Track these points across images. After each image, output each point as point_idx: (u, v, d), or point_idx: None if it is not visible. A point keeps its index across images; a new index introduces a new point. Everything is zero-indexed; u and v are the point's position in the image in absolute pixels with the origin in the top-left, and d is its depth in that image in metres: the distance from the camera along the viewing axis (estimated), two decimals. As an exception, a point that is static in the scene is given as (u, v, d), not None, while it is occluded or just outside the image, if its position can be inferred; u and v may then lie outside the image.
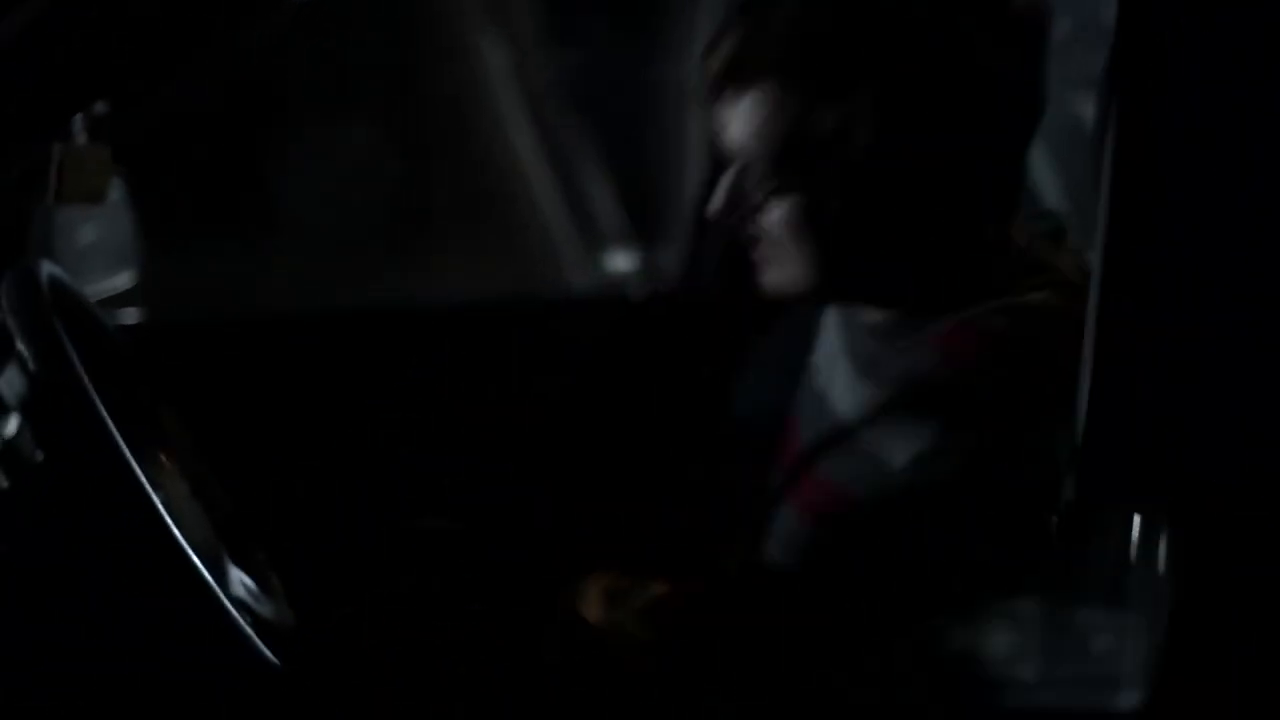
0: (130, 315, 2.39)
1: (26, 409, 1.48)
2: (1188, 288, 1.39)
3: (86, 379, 1.45)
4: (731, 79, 1.68)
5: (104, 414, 1.45)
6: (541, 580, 1.87)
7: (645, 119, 3.46)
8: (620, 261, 3.52)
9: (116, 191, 2.02)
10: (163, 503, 1.49)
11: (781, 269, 1.72)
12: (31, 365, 1.48)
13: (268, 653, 1.49)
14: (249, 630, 1.48)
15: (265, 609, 1.62)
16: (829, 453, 1.74)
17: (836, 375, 1.81)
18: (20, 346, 1.49)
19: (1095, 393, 1.39)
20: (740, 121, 1.69)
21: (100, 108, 1.74)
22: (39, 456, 1.48)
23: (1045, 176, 3.59)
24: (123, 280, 2.20)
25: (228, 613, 1.48)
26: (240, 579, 1.63)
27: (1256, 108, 1.39)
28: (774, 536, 1.78)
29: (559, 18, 3.76)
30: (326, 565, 1.87)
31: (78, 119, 1.72)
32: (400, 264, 3.54)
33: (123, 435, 1.48)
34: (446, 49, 3.67)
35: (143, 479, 1.45)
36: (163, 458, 1.64)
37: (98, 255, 2.17)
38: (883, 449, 1.66)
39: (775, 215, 1.69)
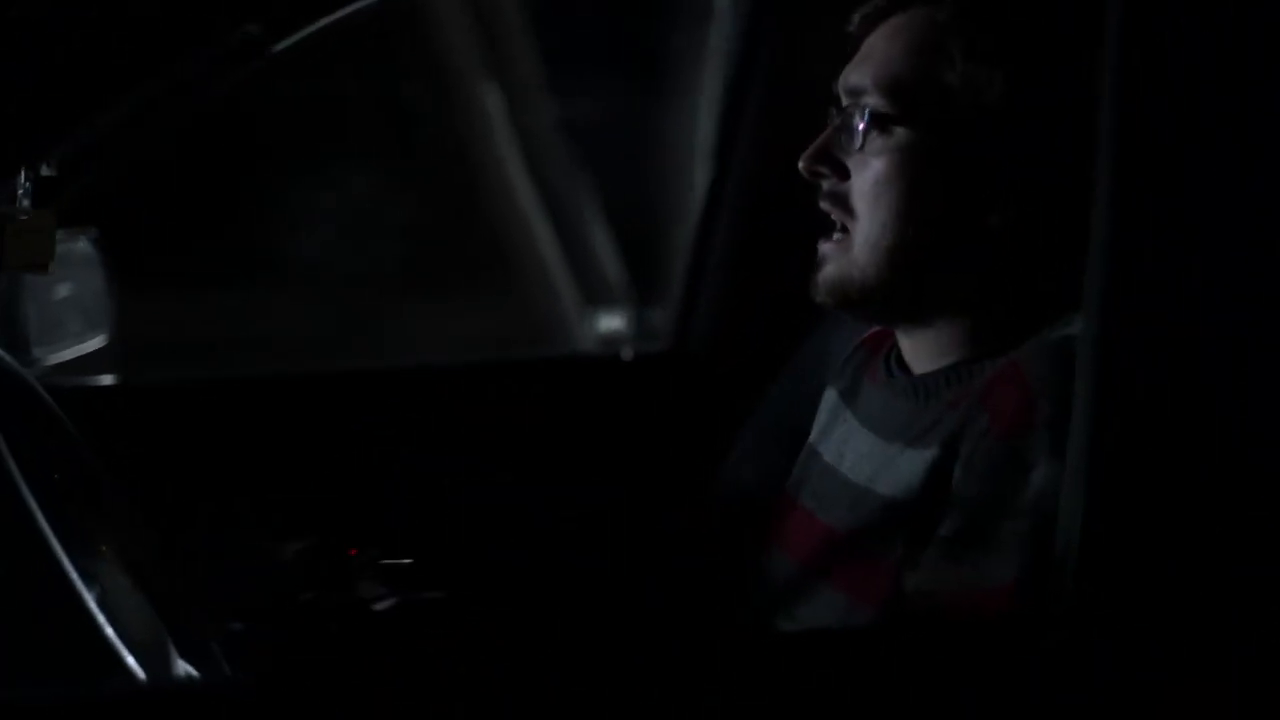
0: (106, 377, 2.35)
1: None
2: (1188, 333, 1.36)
3: (19, 479, 1.38)
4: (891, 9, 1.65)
5: (36, 514, 1.37)
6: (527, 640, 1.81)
7: (645, 172, 3.42)
8: (615, 320, 3.47)
9: (89, 249, 1.97)
10: (98, 598, 1.41)
11: (849, 267, 1.66)
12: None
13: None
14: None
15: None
16: (863, 528, 1.65)
17: (848, 449, 1.73)
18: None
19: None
20: (879, 58, 1.64)
21: (46, 171, 1.67)
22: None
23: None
24: (96, 341, 2.14)
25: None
26: (186, 670, 1.55)
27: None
28: (808, 614, 1.69)
29: (558, 67, 3.72)
30: (299, 633, 1.81)
31: (21, 183, 1.64)
32: (395, 317, 3.51)
33: (59, 528, 1.41)
34: (444, 98, 3.64)
35: (74, 578, 1.38)
36: (103, 549, 1.56)
37: (70, 316, 2.12)
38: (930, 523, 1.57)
39: (864, 193, 1.63)
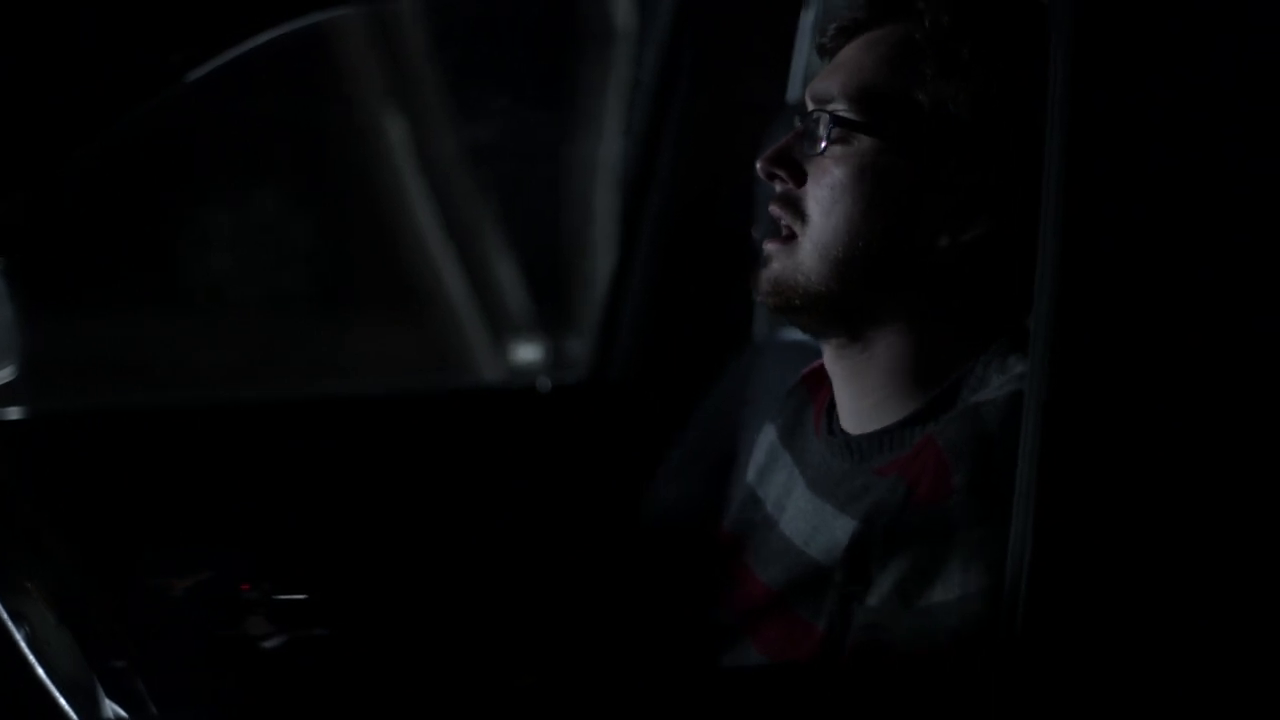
0: (12, 410, 2.31)
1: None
2: (1137, 366, 1.36)
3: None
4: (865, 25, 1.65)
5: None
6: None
7: (553, 200, 3.40)
8: (527, 351, 3.45)
9: (-3, 279, 1.93)
10: (27, 636, 1.38)
11: (794, 270, 1.64)
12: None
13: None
14: None
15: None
16: (796, 590, 1.64)
17: (789, 501, 1.72)
18: None
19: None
20: (851, 68, 1.63)
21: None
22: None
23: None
24: (4, 374, 2.10)
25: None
26: (113, 709, 1.52)
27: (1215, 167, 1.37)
28: (723, 658, 1.69)
29: (464, 93, 3.70)
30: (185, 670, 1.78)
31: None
32: (302, 341, 3.47)
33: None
34: (350, 122, 3.61)
35: (4, 616, 1.35)
36: (29, 585, 1.53)
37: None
38: (858, 590, 1.56)
39: (823, 194, 1.62)
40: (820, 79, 1.65)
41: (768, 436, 1.81)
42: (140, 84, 1.60)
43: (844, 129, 1.61)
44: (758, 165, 1.66)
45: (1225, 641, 1.39)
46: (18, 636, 1.37)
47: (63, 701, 1.38)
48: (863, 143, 1.60)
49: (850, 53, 1.65)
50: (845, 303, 1.62)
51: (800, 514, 1.68)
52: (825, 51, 1.68)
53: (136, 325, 3.38)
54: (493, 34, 3.60)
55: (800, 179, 1.64)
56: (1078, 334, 1.36)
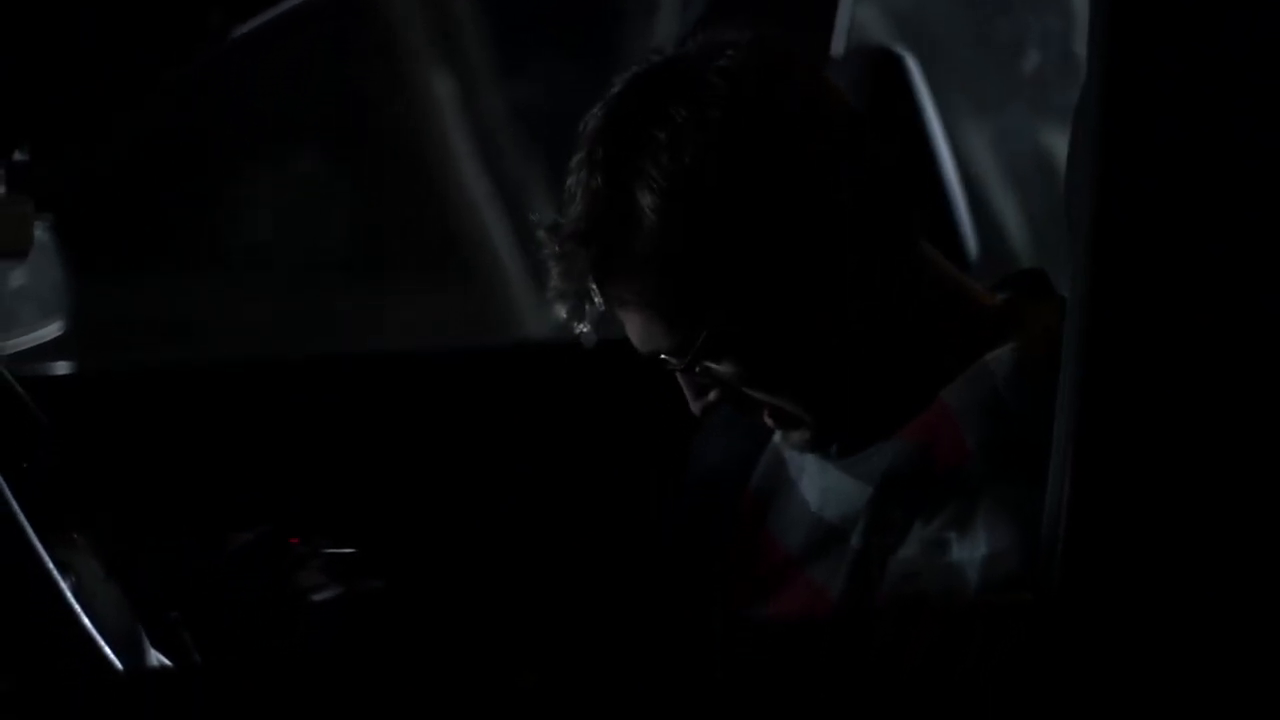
0: (60, 366, 2.33)
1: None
2: (1172, 330, 1.34)
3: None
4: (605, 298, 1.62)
5: (10, 501, 1.35)
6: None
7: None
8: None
9: (45, 237, 1.95)
10: (73, 586, 1.39)
11: (805, 434, 1.65)
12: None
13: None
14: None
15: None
16: (810, 554, 1.65)
17: (806, 462, 1.72)
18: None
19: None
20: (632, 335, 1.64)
21: (19, 155, 1.65)
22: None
23: (1007, 210, 3.55)
24: (52, 329, 2.12)
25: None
26: (159, 661, 1.53)
27: (1241, 143, 1.34)
28: (737, 625, 1.69)
29: (508, 49, 3.70)
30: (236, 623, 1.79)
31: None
32: (348, 303, 3.48)
33: (32, 513, 1.39)
34: (395, 82, 3.61)
35: (50, 566, 1.36)
36: (75, 537, 1.54)
37: (26, 304, 2.11)
38: (873, 553, 1.57)
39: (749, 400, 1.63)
40: (636, 342, 1.64)
41: None
42: (183, 44, 1.61)
43: (702, 364, 1.60)
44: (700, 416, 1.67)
45: (1272, 597, 1.39)
46: (64, 586, 1.39)
47: (109, 652, 1.40)
48: (724, 353, 1.59)
49: (631, 328, 1.63)
50: (845, 406, 1.64)
51: (813, 477, 1.69)
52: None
53: (181, 285, 3.40)
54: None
55: (737, 397, 1.63)
56: (1117, 276, 1.35)
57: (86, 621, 1.39)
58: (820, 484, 1.67)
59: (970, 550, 1.49)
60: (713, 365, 1.61)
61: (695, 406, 1.66)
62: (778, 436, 1.75)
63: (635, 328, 1.62)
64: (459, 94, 3.64)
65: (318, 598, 1.71)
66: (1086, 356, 1.35)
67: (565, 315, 1.65)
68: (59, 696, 1.37)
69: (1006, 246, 3.42)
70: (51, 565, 1.40)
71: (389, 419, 2.37)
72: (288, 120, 3.54)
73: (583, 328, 1.64)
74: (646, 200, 1.55)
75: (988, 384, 1.56)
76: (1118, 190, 1.34)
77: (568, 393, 2.41)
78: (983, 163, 3.45)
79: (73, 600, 1.39)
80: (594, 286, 1.60)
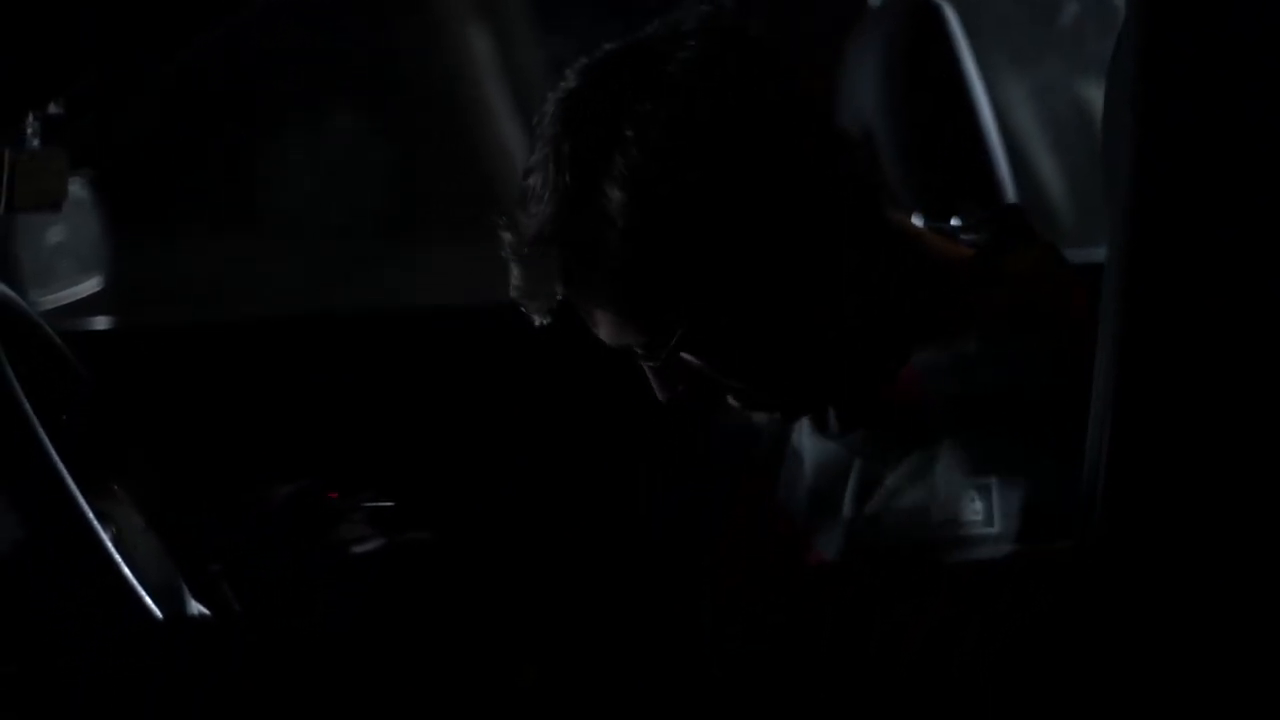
0: (100, 321, 2.34)
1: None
2: (1210, 283, 1.33)
3: (28, 408, 1.37)
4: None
5: (44, 441, 1.36)
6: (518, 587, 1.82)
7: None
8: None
9: (84, 192, 1.96)
10: (113, 536, 1.41)
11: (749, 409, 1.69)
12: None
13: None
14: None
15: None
16: (816, 526, 1.66)
17: (803, 437, 1.74)
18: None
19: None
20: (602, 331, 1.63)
21: (55, 109, 1.66)
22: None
23: (1044, 161, 3.53)
24: (91, 284, 2.13)
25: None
26: (200, 611, 1.55)
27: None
28: (727, 619, 1.71)
29: (545, 3, 3.69)
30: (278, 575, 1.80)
31: (31, 122, 1.63)
32: (387, 262, 3.48)
33: (72, 465, 1.40)
34: (431, 37, 3.61)
35: (90, 517, 1.37)
36: (116, 489, 1.56)
37: (64, 259, 2.11)
38: (865, 521, 1.59)
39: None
40: (605, 337, 1.63)
41: None
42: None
43: (673, 351, 1.60)
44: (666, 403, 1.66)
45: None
46: (104, 536, 1.40)
47: (149, 601, 1.41)
48: (694, 343, 1.60)
49: (600, 320, 1.62)
50: (815, 383, 1.66)
51: (808, 450, 1.71)
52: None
53: (220, 241, 3.40)
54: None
55: (701, 384, 1.64)
56: (1155, 230, 1.35)
57: (127, 571, 1.40)
58: (814, 456, 1.69)
59: (928, 497, 1.51)
60: (686, 357, 1.61)
61: (663, 397, 1.66)
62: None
63: (606, 325, 1.61)
64: (498, 50, 3.63)
65: (359, 549, 1.72)
66: (1124, 311, 1.34)
67: (530, 313, 1.63)
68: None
69: (1044, 197, 3.40)
70: (92, 516, 1.41)
71: (422, 374, 2.38)
72: (326, 77, 3.53)
73: (545, 321, 1.63)
74: (618, 198, 1.53)
75: (953, 340, 1.57)
76: (1155, 145, 1.33)
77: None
78: (1021, 114, 3.44)
79: (113, 550, 1.40)
80: (563, 288, 1.59)
